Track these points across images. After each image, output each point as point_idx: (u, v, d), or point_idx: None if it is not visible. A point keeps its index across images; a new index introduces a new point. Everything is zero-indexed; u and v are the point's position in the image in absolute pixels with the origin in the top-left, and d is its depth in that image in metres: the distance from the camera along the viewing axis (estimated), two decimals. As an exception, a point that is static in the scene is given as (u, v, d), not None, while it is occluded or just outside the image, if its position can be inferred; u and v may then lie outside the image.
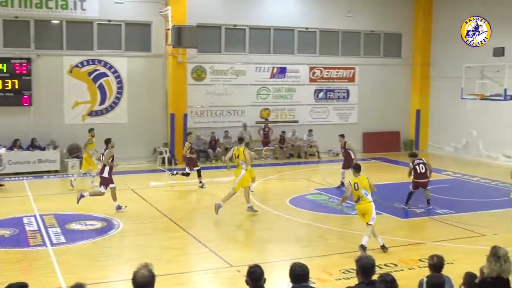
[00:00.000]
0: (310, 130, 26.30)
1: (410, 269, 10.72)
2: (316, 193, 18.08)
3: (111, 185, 15.64)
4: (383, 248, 11.83)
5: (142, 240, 12.98)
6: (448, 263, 8.93)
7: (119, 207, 15.50)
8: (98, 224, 14.23)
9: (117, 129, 23.06)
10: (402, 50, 29.01)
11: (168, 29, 23.61)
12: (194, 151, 19.64)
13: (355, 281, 6.27)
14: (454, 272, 8.55)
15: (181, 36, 22.79)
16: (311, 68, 27.15)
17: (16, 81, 22.02)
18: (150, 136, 24.20)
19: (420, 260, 11.10)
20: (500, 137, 24.05)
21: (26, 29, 22.62)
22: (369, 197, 11.85)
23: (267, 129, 25.89)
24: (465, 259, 11.19)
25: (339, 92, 27.82)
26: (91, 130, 19.69)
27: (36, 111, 22.53)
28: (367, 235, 11.67)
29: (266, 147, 25.50)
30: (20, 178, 20.75)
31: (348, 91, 28.00)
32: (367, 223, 11.81)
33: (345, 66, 27.83)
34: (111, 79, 23.93)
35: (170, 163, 23.84)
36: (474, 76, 21.00)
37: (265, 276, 5.91)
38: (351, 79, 28.05)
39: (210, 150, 24.70)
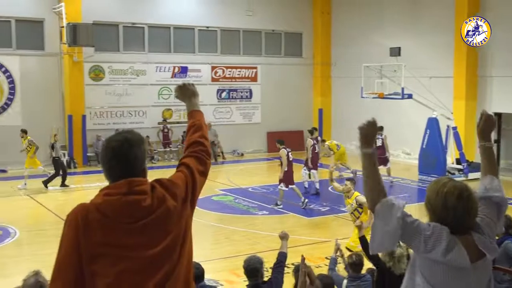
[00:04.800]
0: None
1: (317, 267, 11.02)
2: (222, 194, 18.18)
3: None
4: None
5: (41, 248, 12.53)
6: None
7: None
8: (-8, 233, 13.66)
9: (10, 132, 22.07)
10: (303, 49, 29.69)
11: (63, 27, 22.99)
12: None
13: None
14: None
15: (76, 34, 22.33)
16: (213, 68, 27.23)
17: None
18: (47, 138, 23.32)
19: (326, 257, 11.42)
20: (400, 135, 25.16)
21: None
22: None
23: (166, 130, 25.66)
24: (369, 254, 11.63)
25: (241, 92, 28.07)
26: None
27: None
28: None
29: None
30: None
31: (251, 91, 28.31)
32: None
33: (247, 65, 28.11)
34: (2, 79, 23.03)
35: (69, 166, 23.14)
36: (373, 76, 21.84)
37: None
38: (254, 79, 28.38)
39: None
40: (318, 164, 18.87)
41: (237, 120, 27.88)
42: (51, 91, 23.79)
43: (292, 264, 11.03)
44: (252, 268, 6.22)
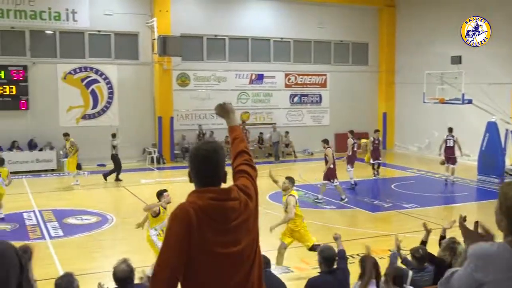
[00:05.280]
0: (287, 132, 26.46)
1: (380, 258, 10.81)
2: (293, 189, 18.08)
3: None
4: None
5: (133, 234, 12.84)
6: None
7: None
8: (93, 219, 14.18)
9: (109, 131, 22.86)
10: (368, 58, 29.29)
11: (154, 39, 23.60)
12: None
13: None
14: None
15: (166, 45, 22.83)
16: (286, 75, 27.29)
17: (14, 87, 21.90)
18: (139, 137, 24.12)
19: (389, 250, 11.19)
20: (459, 137, 24.38)
21: (22, 38, 22.44)
22: (151, 232, 9.66)
23: (244, 131, 25.88)
24: (430, 249, 11.32)
25: (312, 97, 28.00)
26: None
27: (33, 115, 22.37)
28: None
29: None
30: (20, 176, 20.55)
31: (320, 96, 28.19)
32: None
33: (317, 73, 28.02)
34: (102, 85, 23.83)
35: (158, 162, 23.82)
36: (435, 82, 21.26)
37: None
38: (323, 85, 28.25)
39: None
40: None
41: (307, 122, 27.83)
42: (143, 96, 24.49)
43: (357, 254, 10.92)
44: (329, 257, 6.22)
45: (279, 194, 17.09)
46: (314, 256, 10.81)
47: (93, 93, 23.69)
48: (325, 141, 16.74)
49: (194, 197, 3.16)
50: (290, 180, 10.15)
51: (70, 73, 23.22)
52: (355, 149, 18.82)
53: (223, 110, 3.78)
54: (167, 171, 22.79)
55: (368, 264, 5.82)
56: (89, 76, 23.60)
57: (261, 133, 26.18)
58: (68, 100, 23.20)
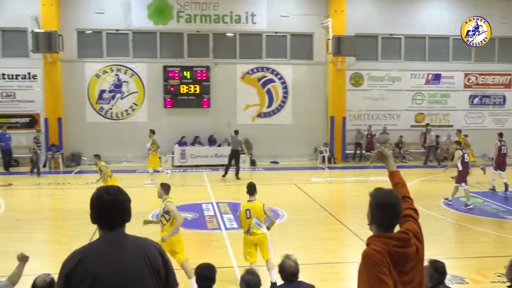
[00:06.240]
0: (466, 136, 24.86)
1: None
2: (471, 196, 17.05)
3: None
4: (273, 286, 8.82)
5: (303, 230, 13.12)
6: None
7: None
8: (265, 214, 14.60)
9: (282, 130, 23.68)
10: None
11: (329, 39, 23.73)
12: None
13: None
14: None
15: (340, 45, 22.90)
16: (466, 75, 25.80)
17: (198, 86, 23.50)
18: (311, 136, 24.46)
19: None
20: None
21: (206, 41, 23.94)
22: (263, 228, 9.35)
23: (427, 133, 24.96)
24: None
25: (495, 98, 26.12)
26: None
27: (213, 112, 23.77)
28: (273, 268, 8.95)
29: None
30: (200, 170, 22.00)
31: (504, 97, 26.21)
32: (267, 259, 9.21)
33: (501, 72, 26.07)
34: (277, 84, 24.56)
35: (329, 161, 23.92)
36: None
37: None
38: (508, 85, 26.22)
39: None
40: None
41: (488, 125, 25.99)
42: (316, 95, 24.76)
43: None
44: None
45: (455, 200, 16.23)
46: (492, 269, 10.13)
47: (268, 92, 24.52)
48: (458, 143, 15.70)
49: (379, 242, 3.55)
50: (162, 186, 9.20)
51: (248, 73, 24.30)
52: (503, 151, 17.62)
53: (382, 156, 4.22)
54: (338, 170, 22.80)
55: None
56: (265, 76, 24.47)
57: (437, 136, 24.98)
58: (245, 99, 24.30)
